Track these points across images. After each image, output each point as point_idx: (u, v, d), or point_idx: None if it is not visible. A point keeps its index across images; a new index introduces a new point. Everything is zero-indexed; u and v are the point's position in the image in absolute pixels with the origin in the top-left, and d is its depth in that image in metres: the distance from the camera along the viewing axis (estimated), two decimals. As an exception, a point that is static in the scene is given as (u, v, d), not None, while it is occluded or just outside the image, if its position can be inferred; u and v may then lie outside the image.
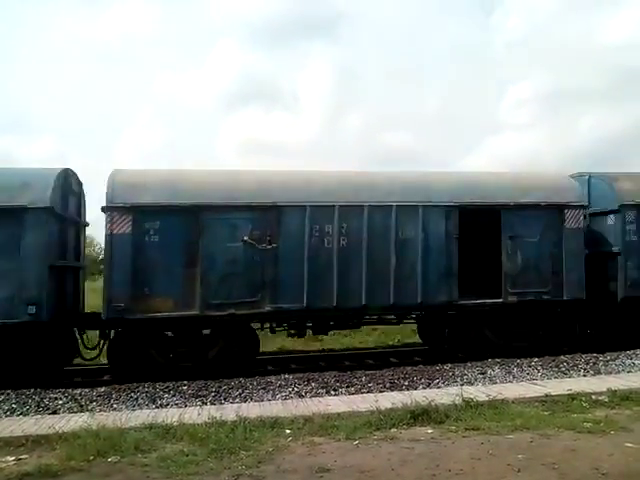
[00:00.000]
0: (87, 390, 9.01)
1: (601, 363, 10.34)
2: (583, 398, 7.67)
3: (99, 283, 12.02)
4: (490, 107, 69.88)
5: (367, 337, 15.23)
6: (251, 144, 71.92)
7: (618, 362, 10.42)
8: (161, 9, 77.37)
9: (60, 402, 8.46)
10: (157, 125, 72.54)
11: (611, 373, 9.68)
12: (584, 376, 9.55)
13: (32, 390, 8.97)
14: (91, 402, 8.47)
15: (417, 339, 14.83)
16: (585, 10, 64.09)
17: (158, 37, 74.19)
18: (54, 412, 7.98)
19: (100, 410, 8.05)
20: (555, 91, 62.17)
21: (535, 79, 65.52)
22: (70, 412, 7.94)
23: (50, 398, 8.62)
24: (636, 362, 10.39)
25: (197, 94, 69.82)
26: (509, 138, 67.91)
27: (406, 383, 9.26)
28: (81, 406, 8.29)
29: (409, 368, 10.27)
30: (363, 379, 9.48)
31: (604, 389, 8.09)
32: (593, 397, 7.74)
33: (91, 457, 5.64)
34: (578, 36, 60.37)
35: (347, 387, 9.08)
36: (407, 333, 15.00)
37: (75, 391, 8.98)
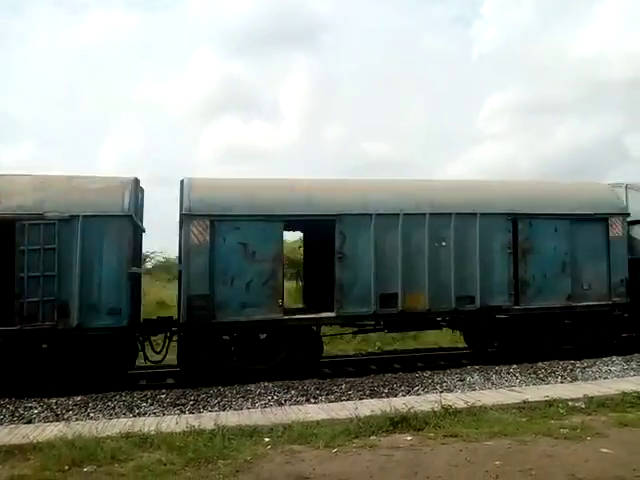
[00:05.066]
0: (63, 399, 8.86)
1: (578, 370, 10.46)
2: (560, 404, 7.73)
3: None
4: (470, 117, 70.69)
5: (347, 345, 15.23)
6: (231, 152, 71.89)
7: (595, 369, 10.55)
8: (141, 17, 76.99)
9: (35, 411, 8.33)
10: (138, 132, 72.09)
11: (588, 380, 9.79)
12: (561, 382, 9.65)
13: (6, 399, 8.81)
14: (67, 411, 8.36)
15: (397, 346, 14.90)
16: (558, 23, 65.26)
17: (139, 45, 73.74)
18: (29, 421, 7.86)
19: (76, 419, 7.94)
20: (530, 102, 63.44)
21: (511, 90, 66.62)
22: (45, 421, 7.82)
23: (25, 407, 8.48)
24: (612, 369, 10.53)
25: (177, 102, 69.61)
26: (488, 147, 68.68)
27: (386, 390, 9.28)
28: (57, 415, 8.17)
29: (389, 375, 10.31)
30: (343, 387, 9.48)
31: (581, 395, 8.17)
32: (570, 403, 7.80)
33: (66, 467, 5.55)
34: (552, 48, 61.42)
35: (327, 395, 9.07)
36: (387, 340, 15.04)
37: (51, 400, 8.82)
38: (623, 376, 10.03)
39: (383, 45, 73.18)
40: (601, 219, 12.31)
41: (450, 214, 11.30)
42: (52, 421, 7.83)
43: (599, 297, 12.21)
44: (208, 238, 10.21)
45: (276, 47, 80.00)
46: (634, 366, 10.73)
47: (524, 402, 7.92)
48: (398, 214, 11.04)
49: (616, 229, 12.30)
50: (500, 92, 70.86)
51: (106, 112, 70.69)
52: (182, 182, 10.74)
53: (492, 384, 9.56)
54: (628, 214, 12.56)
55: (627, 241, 12.62)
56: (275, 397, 8.92)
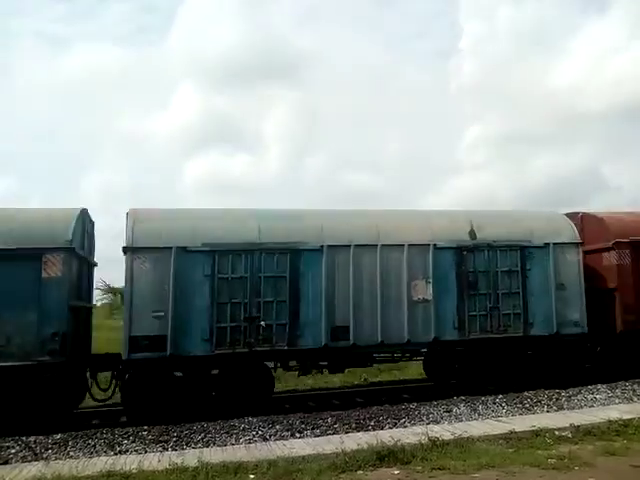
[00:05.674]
0: (42, 437, 8.64)
1: (564, 399, 10.45)
2: (547, 434, 7.73)
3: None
4: (450, 148, 71.73)
5: (332, 377, 15.05)
6: (216, 184, 72.51)
7: (580, 397, 10.55)
8: (124, 52, 77.63)
9: (13, 451, 8.10)
10: (121, 166, 72.50)
11: (574, 408, 9.81)
12: (547, 412, 9.64)
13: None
14: (46, 450, 8.15)
15: (382, 378, 14.80)
16: (534, 56, 66.92)
17: (121, 79, 74.14)
18: (6, 462, 7.64)
19: (56, 458, 7.75)
20: (508, 133, 65.03)
21: (489, 122, 67.95)
22: (24, 461, 7.63)
23: (2, 447, 8.24)
24: (597, 397, 10.54)
25: (161, 135, 70.29)
26: (468, 178, 69.55)
27: (372, 423, 9.17)
28: (35, 454, 7.97)
29: (375, 408, 10.19)
30: (329, 420, 9.35)
31: (567, 424, 8.18)
32: (557, 433, 7.80)
33: (44, 509, 5.40)
34: (529, 80, 62.83)
35: (312, 429, 8.94)
36: (373, 372, 14.93)
37: (29, 438, 8.59)
38: (608, 404, 10.05)
39: (365, 78, 74.62)
40: (30, 255, 9.53)
41: None
42: (31, 461, 7.64)
43: (24, 356, 9.33)
44: None
45: (259, 81, 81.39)
46: (619, 394, 10.76)
47: (511, 432, 7.90)
48: None
49: (53, 268, 9.60)
50: (479, 124, 72.30)
51: (89, 146, 70.95)
52: None
53: (478, 415, 9.51)
54: (72, 249, 9.85)
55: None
56: (260, 432, 8.77)
